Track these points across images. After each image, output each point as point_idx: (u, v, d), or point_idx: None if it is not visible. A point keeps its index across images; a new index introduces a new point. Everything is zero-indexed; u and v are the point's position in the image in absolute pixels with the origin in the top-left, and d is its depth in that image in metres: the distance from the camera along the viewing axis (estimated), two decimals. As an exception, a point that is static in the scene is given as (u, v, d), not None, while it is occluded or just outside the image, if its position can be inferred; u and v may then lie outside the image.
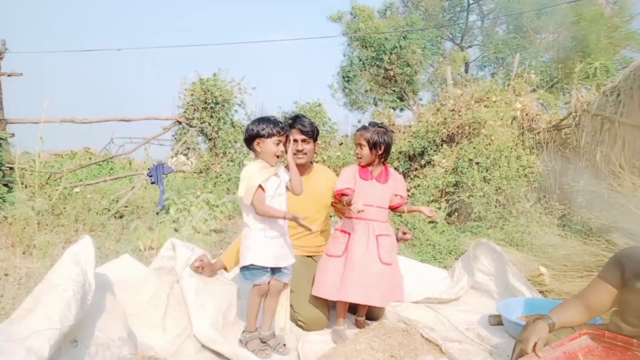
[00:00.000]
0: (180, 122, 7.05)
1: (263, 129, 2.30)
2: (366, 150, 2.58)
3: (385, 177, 2.65)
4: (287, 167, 2.41)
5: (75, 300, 1.68)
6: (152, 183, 6.33)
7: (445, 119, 6.16)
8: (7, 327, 1.54)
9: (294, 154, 2.88)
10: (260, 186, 2.24)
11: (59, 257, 1.99)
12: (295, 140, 2.85)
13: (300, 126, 2.87)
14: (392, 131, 2.75)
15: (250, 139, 2.35)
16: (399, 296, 2.67)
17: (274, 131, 2.31)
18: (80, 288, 1.75)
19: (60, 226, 4.68)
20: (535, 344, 1.93)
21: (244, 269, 2.29)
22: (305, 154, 2.90)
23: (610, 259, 2.17)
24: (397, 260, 2.68)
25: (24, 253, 3.92)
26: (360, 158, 2.61)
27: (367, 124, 2.67)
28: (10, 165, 5.30)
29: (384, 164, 2.69)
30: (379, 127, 2.62)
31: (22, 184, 4.98)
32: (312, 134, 2.92)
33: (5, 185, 5.11)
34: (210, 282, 2.60)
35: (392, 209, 2.69)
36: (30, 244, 4.04)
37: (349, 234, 2.56)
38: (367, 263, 2.50)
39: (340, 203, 2.69)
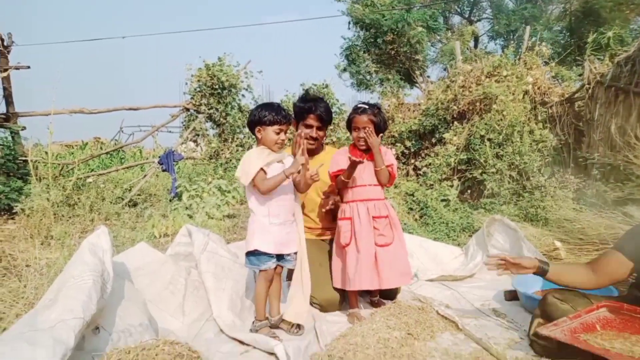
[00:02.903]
0: (188, 109, 7.03)
1: (265, 116, 2.27)
2: (366, 132, 2.51)
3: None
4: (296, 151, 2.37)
5: (96, 289, 1.71)
6: (164, 171, 6.37)
7: (455, 95, 6.06)
8: (32, 318, 1.58)
9: (307, 138, 2.84)
10: (261, 169, 2.22)
11: (76, 247, 2.03)
12: (310, 126, 2.78)
13: (320, 112, 2.75)
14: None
15: (252, 125, 2.32)
16: (407, 279, 2.62)
17: (276, 119, 2.27)
18: (99, 277, 1.78)
19: (76, 216, 4.75)
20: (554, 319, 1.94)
21: (250, 254, 2.28)
22: (317, 139, 2.84)
23: (628, 232, 2.16)
24: (401, 237, 2.63)
25: (42, 244, 3.99)
26: (364, 142, 2.52)
27: (365, 106, 2.56)
28: (24, 158, 5.37)
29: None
30: (376, 107, 2.57)
31: (36, 176, 5.04)
32: (329, 122, 2.84)
33: (20, 178, 5.18)
34: (228, 267, 2.62)
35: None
36: (48, 235, 4.11)
37: (351, 219, 2.55)
38: (369, 248, 2.50)
39: (336, 186, 2.64)
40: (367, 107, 2.54)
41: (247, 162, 2.25)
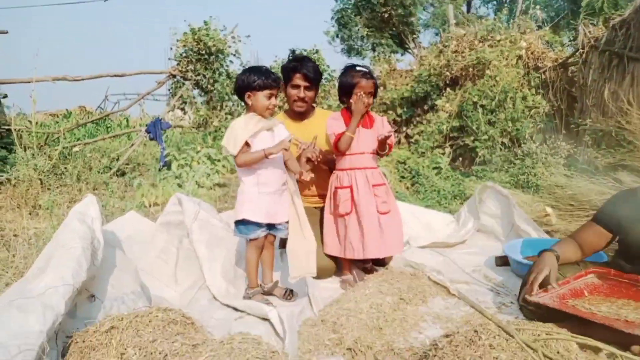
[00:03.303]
0: (174, 75, 6.85)
1: (254, 81, 2.16)
2: (371, 99, 2.47)
3: (370, 121, 2.56)
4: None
5: (85, 257, 1.69)
6: (151, 139, 6.27)
7: (448, 61, 5.97)
8: (22, 286, 1.56)
9: (294, 100, 2.76)
10: (246, 142, 2.15)
11: (64, 217, 1.99)
12: (298, 87, 2.69)
13: (306, 71, 2.64)
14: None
15: (241, 90, 2.22)
16: (398, 248, 2.61)
17: (266, 83, 2.17)
18: (89, 245, 1.75)
19: (64, 186, 4.67)
20: (547, 276, 1.96)
21: (239, 223, 2.25)
22: (306, 102, 2.75)
23: (606, 203, 2.20)
24: (396, 205, 2.63)
25: (30, 214, 3.93)
26: (369, 106, 2.45)
27: (364, 70, 2.47)
28: (7, 127, 5.22)
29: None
30: (368, 70, 2.49)
31: (21, 145, 4.92)
32: (317, 81, 2.74)
33: (4, 147, 5.05)
34: (220, 235, 2.60)
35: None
36: (36, 205, 4.05)
37: (350, 187, 2.50)
38: (372, 216, 2.47)
39: (336, 150, 2.52)
40: (368, 70, 2.47)
41: (233, 131, 2.18)
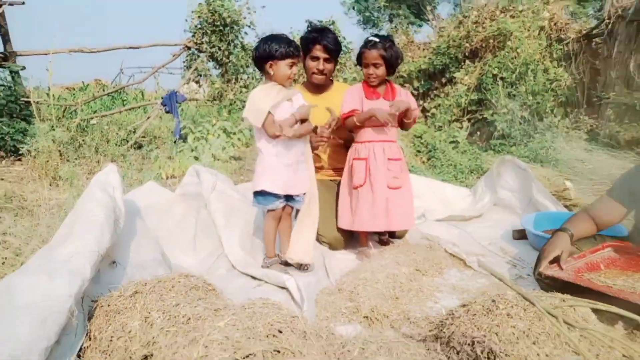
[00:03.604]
0: (189, 48, 6.80)
1: (276, 50, 2.11)
2: (382, 69, 2.40)
3: (392, 94, 2.50)
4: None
5: (108, 224, 1.72)
6: (167, 112, 6.28)
7: (468, 32, 5.80)
8: (48, 252, 1.60)
9: (313, 72, 2.73)
10: (269, 112, 2.12)
11: (84, 188, 2.02)
12: (317, 58, 2.65)
13: (326, 42, 2.59)
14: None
15: (261, 59, 2.16)
16: (404, 224, 2.58)
17: (289, 52, 2.13)
18: (112, 212, 1.78)
19: (82, 158, 4.74)
20: (558, 256, 1.96)
21: (257, 194, 2.25)
22: (325, 74, 2.71)
23: (620, 178, 2.15)
24: (409, 181, 2.59)
25: (50, 185, 4.01)
26: (375, 78, 2.41)
27: (375, 39, 2.40)
28: (26, 99, 5.28)
29: (387, 81, 2.52)
30: (389, 40, 2.41)
31: (40, 117, 4.98)
32: (337, 53, 2.68)
33: (24, 119, 5.12)
34: (237, 206, 2.63)
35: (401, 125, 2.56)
36: (56, 176, 4.12)
37: (366, 159, 2.47)
38: (382, 190, 2.46)
39: (345, 127, 2.52)
40: (377, 40, 2.39)
41: (254, 102, 2.15)
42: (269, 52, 2.13)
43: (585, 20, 6.16)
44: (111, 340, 1.43)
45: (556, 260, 1.98)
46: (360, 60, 2.47)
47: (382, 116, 2.31)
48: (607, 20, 5.03)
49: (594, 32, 5.45)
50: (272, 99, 2.15)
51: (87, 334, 1.47)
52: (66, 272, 1.43)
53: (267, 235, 2.35)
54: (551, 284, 1.92)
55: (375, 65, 2.40)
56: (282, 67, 2.15)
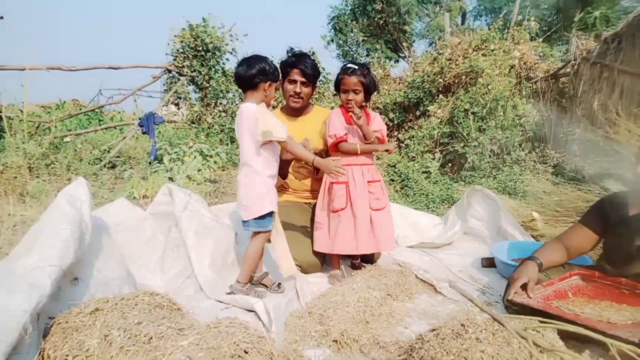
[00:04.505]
0: (170, 71, 6.82)
1: (274, 71, 2.15)
2: (361, 95, 2.46)
3: (367, 119, 2.56)
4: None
5: (73, 239, 1.67)
6: (144, 133, 6.22)
7: (442, 68, 6.02)
8: (7, 265, 1.53)
9: (290, 95, 2.76)
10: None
11: (53, 203, 1.97)
12: (294, 82, 2.71)
13: (303, 67, 2.67)
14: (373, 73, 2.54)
15: (259, 79, 2.12)
16: (391, 245, 2.62)
17: (278, 75, 2.21)
18: (77, 227, 1.74)
19: (53, 175, 4.62)
20: (526, 284, 1.99)
21: (262, 217, 2.19)
22: (302, 98, 2.76)
23: (593, 206, 2.24)
24: (389, 203, 2.64)
25: (17, 201, 3.88)
26: (354, 104, 2.45)
27: (354, 66, 2.46)
28: (-3, 114, 5.15)
29: (362, 106, 2.57)
30: (366, 67, 2.49)
31: (11, 132, 4.86)
32: (314, 78, 2.75)
33: (-7, 134, 4.99)
34: (210, 226, 2.60)
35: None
36: (23, 192, 4.00)
37: (346, 183, 2.49)
38: (364, 212, 2.48)
39: (337, 151, 2.54)
40: (356, 67, 2.46)
41: (270, 117, 2.13)
42: (269, 72, 2.14)
43: (552, 61, 6.48)
44: (66, 359, 1.36)
45: (524, 288, 2.01)
46: (339, 86, 2.52)
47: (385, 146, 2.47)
48: (573, 62, 5.31)
49: (561, 72, 5.74)
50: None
51: (39, 353, 1.40)
52: (26, 286, 1.38)
53: (253, 257, 2.28)
54: (520, 311, 1.95)
55: (355, 92, 2.45)
56: (272, 89, 2.19)
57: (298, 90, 2.72)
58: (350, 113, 2.42)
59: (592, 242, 2.20)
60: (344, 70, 2.49)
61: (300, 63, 2.67)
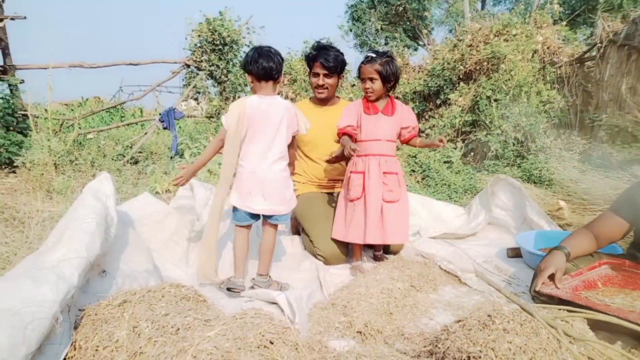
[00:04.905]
0: (188, 65, 6.86)
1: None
2: (378, 83, 2.44)
3: (392, 109, 2.54)
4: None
5: (99, 231, 1.70)
6: (165, 128, 6.29)
7: (462, 55, 5.91)
8: (36, 257, 1.57)
9: (315, 87, 2.82)
10: None
11: (78, 198, 2.00)
12: (317, 75, 2.78)
13: (323, 60, 2.74)
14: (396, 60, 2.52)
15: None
16: (401, 237, 2.57)
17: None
18: (103, 220, 1.76)
19: (78, 171, 4.72)
20: (553, 274, 1.95)
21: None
22: (327, 88, 2.83)
23: (623, 193, 2.16)
24: (406, 196, 2.59)
25: (44, 197, 3.98)
26: (372, 92, 2.46)
27: (373, 55, 2.46)
28: (23, 112, 5.28)
29: (388, 96, 2.57)
30: (387, 56, 2.46)
31: (36, 130, 4.98)
32: (336, 70, 2.79)
33: (20, 132, 5.12)
34: (230, 222, 2.61)
35: (405, 142, 2.62)
36: (50, 188, 4.10)
37: (363, 173, 2.50)
38: (376, 203, 2.47)
39: (340, 141, 2.57)
40: (374, 55, 2.44)
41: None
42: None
43: (576, 45, 6.29)
44: (97, 350, 1.39)
45: (551, 279, 1.97)
46: (358, 75, 2.53)
47: (346, 149, 2.39)
48: (599, 44, 5.14)
49: (586, 55, 5.57)
50: None
51: (72, 344, 1.44)
52: (53, 277, 1.41)
53: (272, 250, 2.30)
54: (548, 302, 1.90)
55: (371, 80, 2.44)
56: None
57: (321, 82, 2.80)
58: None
59: (623, 230, 2.13)
60: (364, 59, 2.49)
61: (321, 56, 2.74)
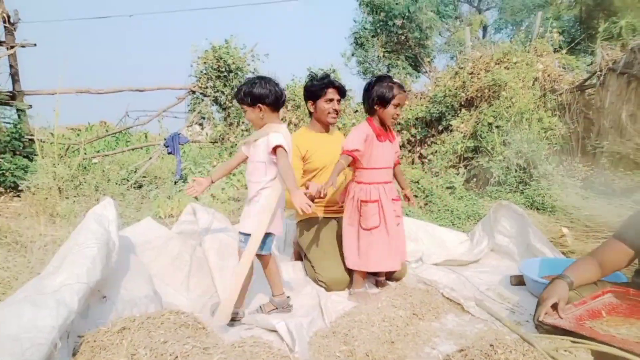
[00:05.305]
0: (194, 92, 6.99)
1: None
2: (400, 110, 2.52)
3: (392, 135, 2.59)
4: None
5: (100, 257, 1.70)
6: (169, 153, 6.36)
7: (464, 82, 5.99)
8: (37, 282, 1.57)
9: (329, 113, 2.87)
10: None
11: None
12: (331, 100, 2.84)
13: (338, 85, 2.84)
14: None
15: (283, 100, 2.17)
16: (404, 255, 2.69)
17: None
18: (105, 246, 1.77)
19: (82, 195, 4.75)
20: (556, 303, 1.92)
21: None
22: (338, 112, 2.91)
23: (628, 220, 2.14)
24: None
25: (47, 222, 3.99)
26: (397, 119, 2.53)
27: (400, 83, 2.48)
28: (30, 137, 5.36)
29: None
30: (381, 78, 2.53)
31: (42, 155, 5.04)
32: (344, 95, 2.93)
33: (26, 156, 5.18)
34: (233, 246, 2.61)
35: None
36: (54, 213, 4.12)
37: (378, 201, 2.46)
38: (394, 229, 2.49)
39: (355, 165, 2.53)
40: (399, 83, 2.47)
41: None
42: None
43: (577, 73, 6.37)
44: (95, 378, 1.38)
45: (554, 308, 1.94)
46: (381, 99, 2.43)
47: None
48: (599, 73, 5.21)
49: (586, 83, 5.63)
50: None
51: (70, 371, 1.43)
52: (53, 303, 1.41)
53: (278, 272, 2.33)
54: (552, 332, 1.87)
55: (400, 107, 2.48)
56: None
57: (337, 107, 2.87)
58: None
59: (628, 258, 2.09)
60: (397, 86, 2.46)
61: (334, 82, 2.85)
